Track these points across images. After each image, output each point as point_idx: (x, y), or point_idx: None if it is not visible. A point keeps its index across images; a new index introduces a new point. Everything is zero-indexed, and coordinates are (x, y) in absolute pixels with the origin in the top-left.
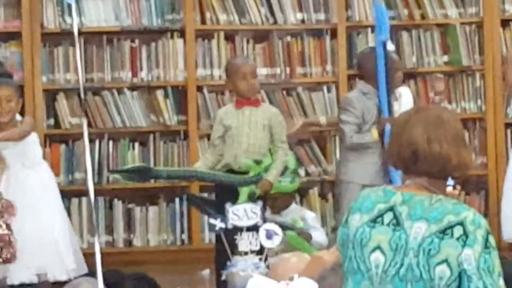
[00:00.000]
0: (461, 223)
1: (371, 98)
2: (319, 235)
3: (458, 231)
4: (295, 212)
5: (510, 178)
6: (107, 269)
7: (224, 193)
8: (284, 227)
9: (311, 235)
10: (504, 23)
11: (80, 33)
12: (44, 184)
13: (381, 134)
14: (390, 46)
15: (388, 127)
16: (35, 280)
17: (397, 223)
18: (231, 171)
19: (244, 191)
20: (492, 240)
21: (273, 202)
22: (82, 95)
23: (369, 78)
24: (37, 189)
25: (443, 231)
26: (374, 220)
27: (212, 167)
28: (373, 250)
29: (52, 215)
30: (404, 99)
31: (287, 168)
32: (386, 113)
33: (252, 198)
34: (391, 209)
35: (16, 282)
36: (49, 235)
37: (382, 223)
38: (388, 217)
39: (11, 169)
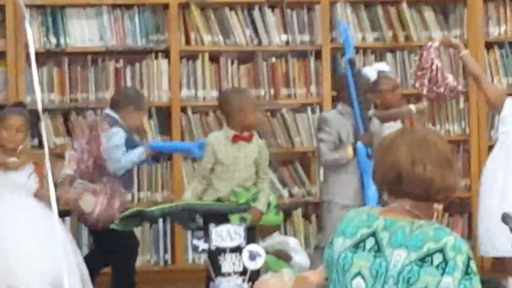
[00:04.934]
0: (441, 250)
1: (348, 118)
2: (301, 258)
3: (437, 258)
4: (277, 239)
5: (485, 194)
6: None
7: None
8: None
9: (291, 256)
10: (488, 45)
11: (64, 53)
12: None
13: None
14: (385, 67)
15: (359, 145)
16: None
17: (378, 249)
18: (220, 201)
19: (234, 218)
20: (473, 265)
21: (260, 231)
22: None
23: (344, 99)
24: (39, 206)
25: (423, 259)
26: (356, 246)
27: (201, 196)
28: (355, 276)
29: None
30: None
31: (270, 205)
32: (361, 129)
33: (243, 223)
34: (373, 234)
35: None
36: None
37: (364, 249)
38: (370, 243)
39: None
